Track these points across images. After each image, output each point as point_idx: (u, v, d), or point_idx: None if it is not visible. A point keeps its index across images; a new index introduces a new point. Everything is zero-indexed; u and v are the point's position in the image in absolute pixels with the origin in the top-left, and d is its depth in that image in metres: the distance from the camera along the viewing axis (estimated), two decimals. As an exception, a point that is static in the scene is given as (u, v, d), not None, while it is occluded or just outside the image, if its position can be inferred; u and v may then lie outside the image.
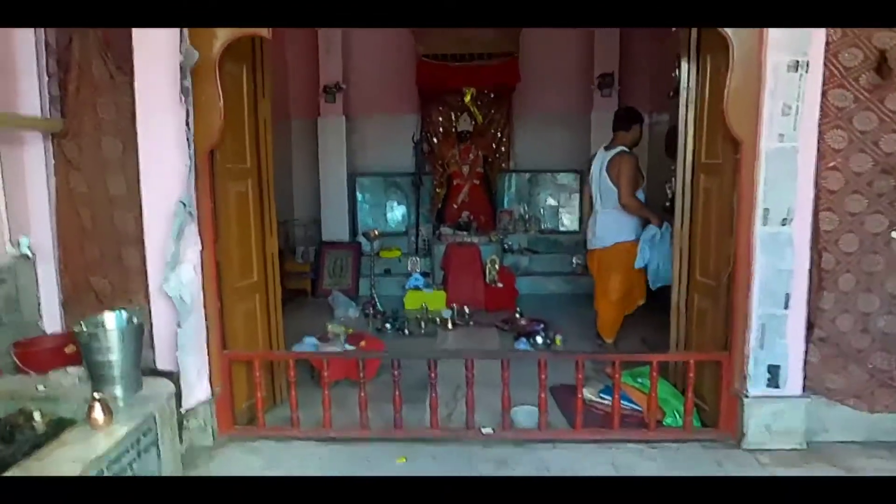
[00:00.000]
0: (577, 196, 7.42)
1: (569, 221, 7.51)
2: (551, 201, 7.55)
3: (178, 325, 2.97)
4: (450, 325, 5.33)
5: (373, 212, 7.67)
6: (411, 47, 6.85)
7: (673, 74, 3.98)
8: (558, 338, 4.89)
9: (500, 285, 6.14)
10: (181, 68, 2.78)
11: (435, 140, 7.48)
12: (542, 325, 5.25)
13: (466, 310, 5.84)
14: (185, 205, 2.86)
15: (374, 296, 5.94)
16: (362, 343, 4.04)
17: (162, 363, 3.12)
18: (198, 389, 3.11)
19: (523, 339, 4.86)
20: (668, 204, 4.28)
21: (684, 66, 3.37)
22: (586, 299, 6.48)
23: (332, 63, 6.85)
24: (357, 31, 6.97)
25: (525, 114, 7.49)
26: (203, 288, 3.09)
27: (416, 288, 6.20)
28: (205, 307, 3.10)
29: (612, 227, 4.32)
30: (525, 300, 6.31)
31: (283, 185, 7.46)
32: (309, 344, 4.03)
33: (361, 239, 6.42)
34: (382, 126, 7.57)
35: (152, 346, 3.13)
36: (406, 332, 5.25)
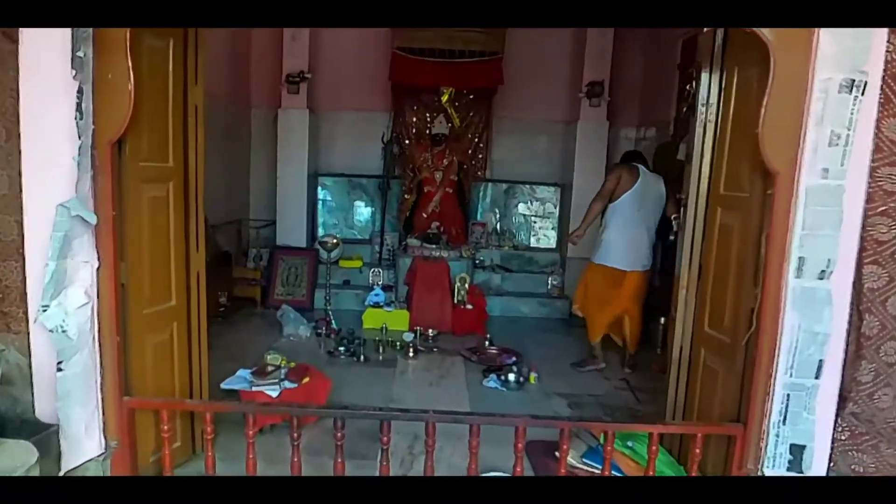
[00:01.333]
0: (556, 210, 6.90)
1: (546, 238, 6.98)
2: (528, 215, 7.01)
3: (59, 368, 2.31)
4: (411, 352, 4.74)
5: (334, 215, 7.02)
6: (387, 38, 6.22)
7: (687, 87, 3.46)
8: (533, 375, 4.34)
9: (469, 307, 5.56)
10: (73, 34, 2.13)
11: (407, 142, 6.87)
12: (514, 358, 4.71)
13: (431, 332, 5.28)
14: (68, 210, 2.20)
15: (329, 312, 5.31)
16: (305, 380, 3.41)
17: (44, 412, 2.45)
18: (87, 445, 2.46)
19: (493, 376, 4.29)
20: (672, 238, 3.75)
21: (704, 78, 2.84)
22: (561, 325, 6.00)
23: (298, 50, 6.15)
24: (327, 16, 6.30)
25: (505, 119, 6.94)
26: (98, 318, 2.44)
27: (377, 305, 5.59)
28: (99, 343, 2.45)
29: (651, 248, 4.49)
30: (495, 323, 5.76)
31: (240, 180, 6.79)
32: (241, 378, 3.39)
33: (319, 246, 5.78)
34: (350, 123, 6.93)
35: (32, 390, 2.47)
36: (362, 357, 4.63)
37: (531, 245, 6.93)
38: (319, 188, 6.89)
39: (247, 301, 6.10)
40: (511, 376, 4.27)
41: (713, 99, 2.82)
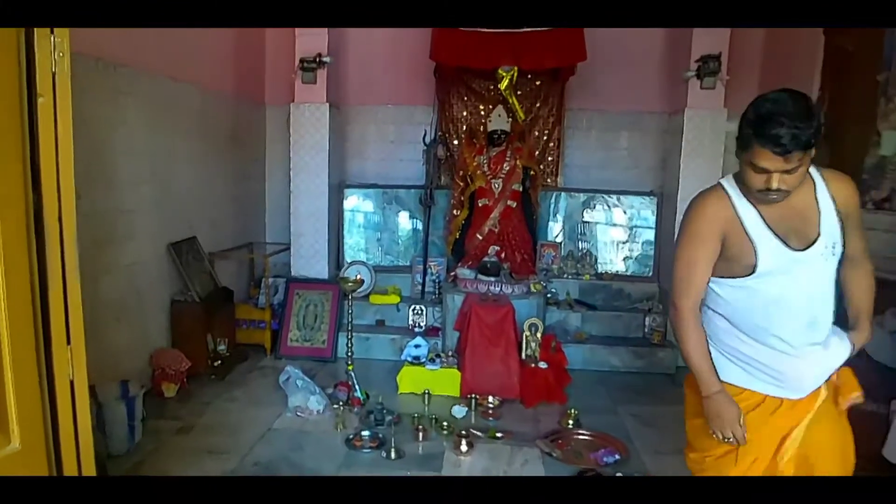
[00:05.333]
0: (652, 227, 5.32)
1: (639, 264, 5.39)
2: (615, 234, 5.44)
3: None
4: (463, 445, 3.27)
5: (365, 237, 5.64)
6: (428, 10, 4.81)
7: None
8: (652, 492, 2.81)
9: (542, 365, 4.07)
10: None
11: (455, 142, 5.45)
12: (616, 455, 3.19)
13: (491, 402, 3.84)
14: None
15: (352, 374, 3.91)
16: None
17: None
18: None
19: (592, 496, 2.78)
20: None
21: None
22: (667, 385, 4.42)
23: (313, 28, 4.80)
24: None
25: (582, 112, 5.42)
26: None
27: (416, 361, 4.16)
28: None
29: None
30: (578, 383, 4.25)
31: (251, 195, 5.50)
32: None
33: (339, 282, 4.41)
34: (383, 120, 5.57)
35: None
36: (392, 452, 3.20)
37: (619, 272, 5.36)
38: (346, 202, 5.53)
39: (253, 349, 4.79)
40: (619, 497, 2.76)
41: None
